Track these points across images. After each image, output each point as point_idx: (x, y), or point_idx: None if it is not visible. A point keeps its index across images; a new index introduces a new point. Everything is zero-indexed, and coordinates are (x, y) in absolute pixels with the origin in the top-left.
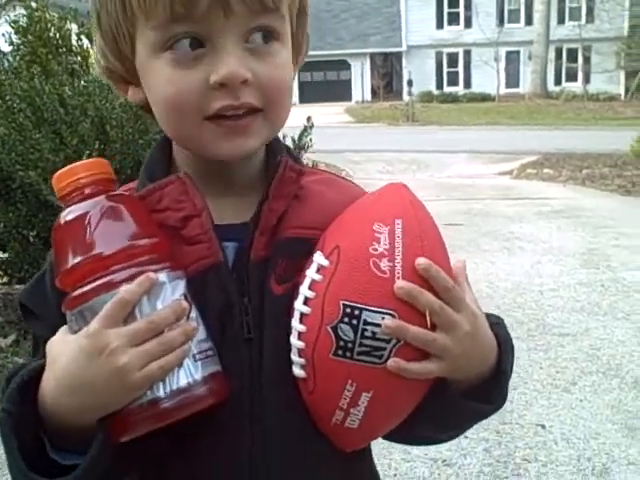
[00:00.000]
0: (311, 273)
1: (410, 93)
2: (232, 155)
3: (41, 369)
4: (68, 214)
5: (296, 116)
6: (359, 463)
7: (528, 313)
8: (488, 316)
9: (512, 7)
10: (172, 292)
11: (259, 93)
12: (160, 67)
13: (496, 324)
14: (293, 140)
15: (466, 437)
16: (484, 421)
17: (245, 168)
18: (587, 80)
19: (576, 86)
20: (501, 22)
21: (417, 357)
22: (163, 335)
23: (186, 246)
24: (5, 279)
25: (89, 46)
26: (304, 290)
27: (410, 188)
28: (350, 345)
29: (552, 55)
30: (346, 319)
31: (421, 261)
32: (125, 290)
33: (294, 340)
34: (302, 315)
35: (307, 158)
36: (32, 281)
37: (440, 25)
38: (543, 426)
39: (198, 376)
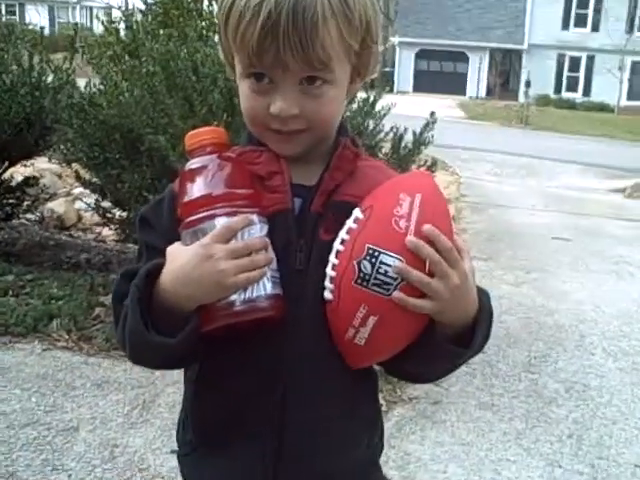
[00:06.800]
0: (349, 222)
1: (527, 95)
2: (282, 155)
3: (160, 266)
4: (192, 164)
5: (408, 104)
6: (363, 392)
7: (634, 344)
8: (479, 289)
9: None
10: (260, 231)
11: (305, 121)
12: (243, 87)
13: (484, 294)
14: (414, 134)
15: (560, 467)
16: (580, 453)
17: (315, 148)
18: None
19: None
20: (630, 29)
21: (416, 296)
22: (253, 256)
23: (268, 193)
24: (122, 237)
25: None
26: (342, 234)
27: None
28: (367, 277)
29: None
30: (368, 257)
31: (426, 226)
32: (233, 220)
33: (329, 270)
34: (338, 252)
35: (426, 155)
36: (152, 202)
37: (566, 26)
38: None
39: (268, 292)
